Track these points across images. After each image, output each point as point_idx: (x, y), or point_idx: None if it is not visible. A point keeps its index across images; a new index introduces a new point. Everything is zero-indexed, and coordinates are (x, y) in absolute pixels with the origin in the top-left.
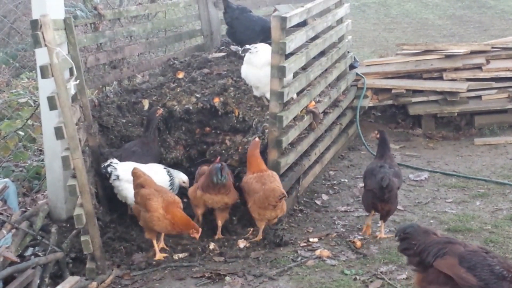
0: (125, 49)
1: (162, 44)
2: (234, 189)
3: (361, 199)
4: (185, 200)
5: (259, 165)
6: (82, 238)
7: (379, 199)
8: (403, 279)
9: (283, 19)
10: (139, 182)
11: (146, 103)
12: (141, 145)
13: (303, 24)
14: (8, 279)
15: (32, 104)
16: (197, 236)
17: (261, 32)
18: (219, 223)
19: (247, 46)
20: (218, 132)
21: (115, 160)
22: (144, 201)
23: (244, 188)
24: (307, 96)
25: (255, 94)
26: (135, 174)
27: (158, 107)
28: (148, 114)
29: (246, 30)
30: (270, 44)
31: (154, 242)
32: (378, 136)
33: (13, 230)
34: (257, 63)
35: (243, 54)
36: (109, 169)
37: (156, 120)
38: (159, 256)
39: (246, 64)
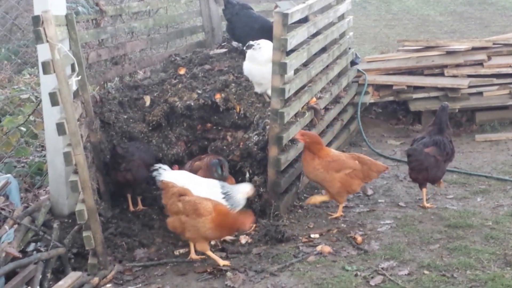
0: (126, 45)
1: (164, 40)
2: (231, 177)
3: (361, 193)
4: None
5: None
6: (84, 234)
7: (409, 167)
8: (404, 275)
9: (285, 15)
10: (176, 190)
11: (147, 99)
12: (140, 142)
13: (305, 20)
14: (10, 274)
15: (34, 100)
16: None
17: (259, 30)
18: None
19: (251, 42)
20: (220, 128)
21: (164, 166)
22: (192, 207)
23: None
24: (308, 92)
25: (256, 91)
26: (166, 184)
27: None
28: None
29: (245, 27)
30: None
31: (210, 253)
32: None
33: (15, 226)
34: (260, 60)
35: (246, 50)
36: (154, 173)
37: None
38: (223, 262)
39: (249, 61)
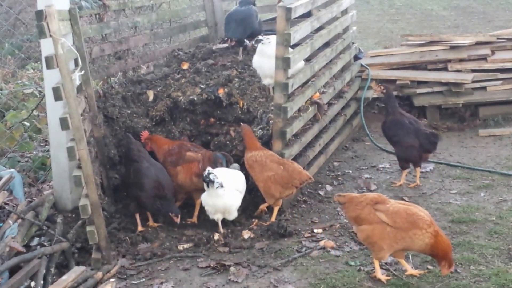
0: (130, 40)
1: (167, 35)
2: None
3: (365, 188)
4: None
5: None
6: (88, 228)
7: (429, 151)
8: None
9: (288, 10)
10: (370, 199)
11: (151, 94)
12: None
13: (308, 15)
14: (14, 269)
15: (38, 95)
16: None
17: (240, 23)
18: None
19: (260, 37)
20: (223, 123)
21: (210, 169)
22: (407, 218)
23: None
24: (311, 87)
25: (264, 83)
26: (350, 197)
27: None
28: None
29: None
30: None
31: (403, 262)
32: (384, 91)
33: (19, 220)
34: (271, 54)
35: (256, 45)
36: (211, 176)
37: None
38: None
39: (258, 55)
